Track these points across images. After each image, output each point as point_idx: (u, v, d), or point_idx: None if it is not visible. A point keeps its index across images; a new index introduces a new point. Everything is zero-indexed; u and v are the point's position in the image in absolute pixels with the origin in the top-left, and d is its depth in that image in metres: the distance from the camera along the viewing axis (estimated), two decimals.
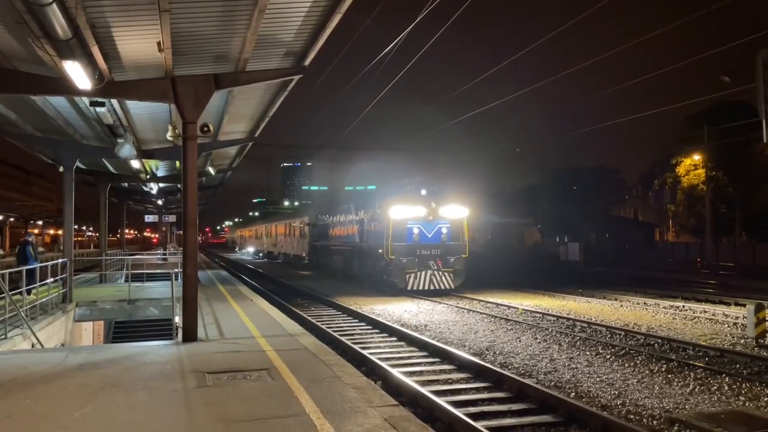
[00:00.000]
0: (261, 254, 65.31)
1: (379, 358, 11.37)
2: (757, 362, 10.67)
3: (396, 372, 10.02)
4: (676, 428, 7.38)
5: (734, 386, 9.15)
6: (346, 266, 30.15)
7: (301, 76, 11.70)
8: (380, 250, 23.85)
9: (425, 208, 23.71)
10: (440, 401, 8.20)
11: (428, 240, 23.61)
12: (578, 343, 13.17)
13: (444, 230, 23.88)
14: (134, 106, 13.75)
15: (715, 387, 9.11)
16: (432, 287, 22.87)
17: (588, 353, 11.96)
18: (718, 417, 7.53)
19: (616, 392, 9.04)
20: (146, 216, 43.72)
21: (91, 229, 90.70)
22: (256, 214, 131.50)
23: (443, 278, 23.13)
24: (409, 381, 9.46)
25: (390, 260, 23.01)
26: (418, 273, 22.78)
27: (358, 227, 28.01)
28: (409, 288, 22.65)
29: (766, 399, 8.42)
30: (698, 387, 9.17)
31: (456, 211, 24.19)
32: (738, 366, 10.54)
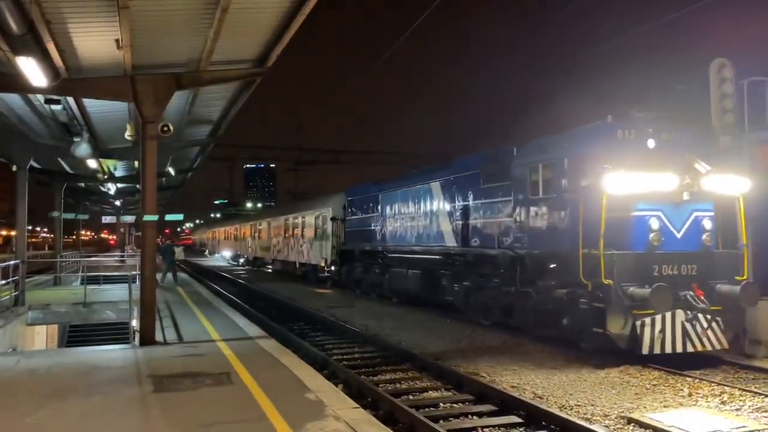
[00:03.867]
0: (242, 260, 52.31)
1: None
2: (710, 362, 10.95)
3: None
4: (631, 428, 7.54)
5: (691, 387, 9.38)
6: (426, 287, 17.89)
7: (263, 76, 11.63)
8: (552, 265, 12.18)
9: (674, 178, 11.19)
10: None
11: (676, 245, 11.37)
12: None
13: (707, 224, 11.65)
14: (92, 104, 13.46)
15: (670, 389, 9.34)
16: (689, 348, 10.70)
17: None
18: (673, 416, 7.72)
19: None
20: (103, 217, 42.77)
21: (45, 230, 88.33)
22: (217, 215, 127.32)
23: (710, 328, 10.88)
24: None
25: (595, 287, 10.83)
26: (662, 317, 10.55)
27: (455, 220, 16.40)
28: (646, 349, 10.41)
29: (717, 399, 8.67)
30: (655, 387, 9.38)
31: (727, 184, 11.48)
32: (691, 367, 10.77)
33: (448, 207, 17.00)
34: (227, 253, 61.22)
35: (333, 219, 27.32)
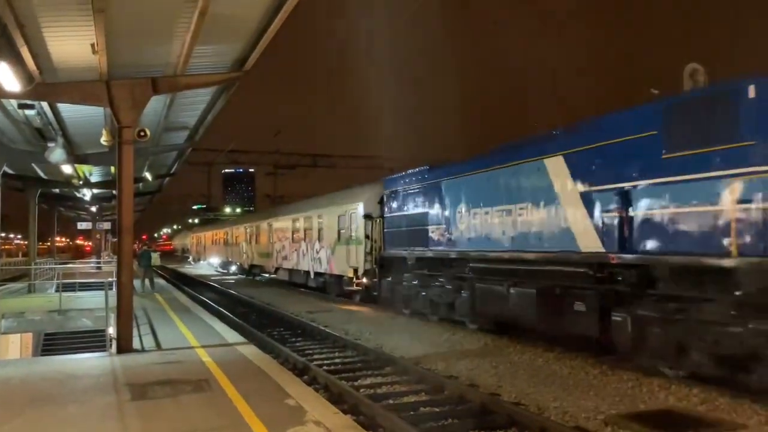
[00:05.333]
0: (234, 267, 45.71)
1: None
2: None
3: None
4: (609, 429, 7.60)
5: (665, 387, 9.49)
6: (544, 313, 11.77)
7: (241, 80, 11.58)
8: None
9: None
10: None
11: None
12: None
13: None
14: (67, 109, 13.29)
15: (646, 388, 9.45)
16: None
17: None
18: (649, 416, 7.81)
19: None
20: (79, 223, 42.22)
21: (19, 237, 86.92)
22: (196, 221, 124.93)
23: None
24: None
25: None
26: None
27: (602, 212, 10.70)
28: None
29: (694, 399, 8.79)
30: (631, 388, 9.48)
31: None
32: (667, 368, 10.90)
33: (583, 192, 11.22)
34: (215, 260, 54.05)
35: (367, 217, 20.96)
